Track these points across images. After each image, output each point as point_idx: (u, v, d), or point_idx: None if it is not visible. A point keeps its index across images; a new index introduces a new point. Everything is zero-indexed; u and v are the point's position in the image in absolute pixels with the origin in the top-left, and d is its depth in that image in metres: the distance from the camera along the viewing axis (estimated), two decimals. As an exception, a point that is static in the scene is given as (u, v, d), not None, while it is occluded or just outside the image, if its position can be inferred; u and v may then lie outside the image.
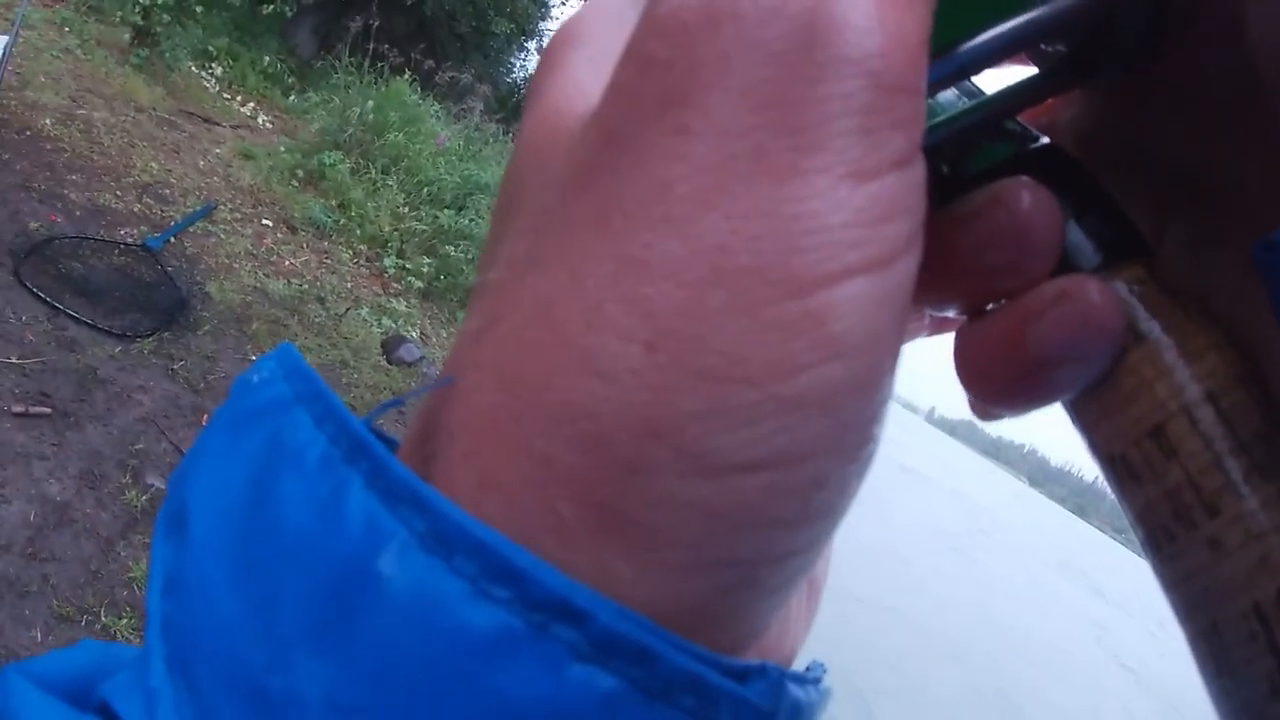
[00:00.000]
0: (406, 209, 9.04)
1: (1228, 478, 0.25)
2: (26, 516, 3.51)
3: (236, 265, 6.56)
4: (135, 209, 6.40)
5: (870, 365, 0.22)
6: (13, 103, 6.57)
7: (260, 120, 10.30)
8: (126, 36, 9.50)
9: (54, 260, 5.21)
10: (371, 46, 10.69)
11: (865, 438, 0.23)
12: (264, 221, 7.56)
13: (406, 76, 10.84)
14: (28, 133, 6.42)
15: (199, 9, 10.25)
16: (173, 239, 6.20)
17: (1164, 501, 0.26)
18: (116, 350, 4.80)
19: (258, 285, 6.49)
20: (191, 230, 6.56)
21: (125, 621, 3.34)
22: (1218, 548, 0.25)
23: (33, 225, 5.41)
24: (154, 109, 8.40)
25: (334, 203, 8.50)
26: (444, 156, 10.05)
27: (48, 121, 6.74)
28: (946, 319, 0.34)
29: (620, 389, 0.21)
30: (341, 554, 0.21)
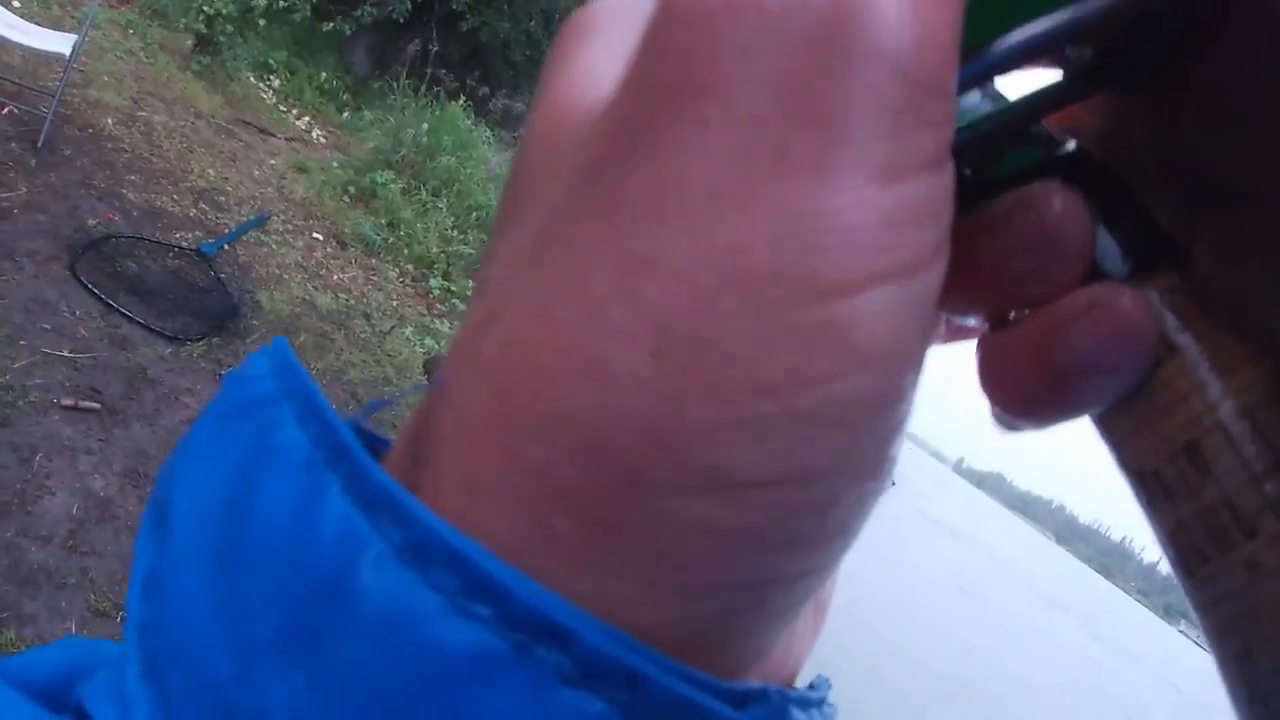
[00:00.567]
0: (455, 232, 9.13)
1: (1266, 497, 0.24)
2: (69, 509, 3.52)
3: (286, 276, 6.60)
4: (191, 214, 6.45)
5: (893, 379, 0.21)
6: (76, 100, 6.64)
7: (314, 134, 10.40)
8: (189, 43, 9.63)
9: (110, 258, 5.25)
10: (429, 71, 10.78)
11: (884, 456, 0.22)
12: (314, 235, 7.62)
13: (461, 101, 10.97)
14: (90, 130, 6.48)
15: (261, 21, 10.36)
16: (226, 246, 6.24)
17: (1197, 521, 0.25)
18: (167, 352, 4.83)
19: (306, 298, 6.53)
20: (244, 239, 6.60)
21: (163, 624, 3.32)
22: (1255, 570, 0.24)
23: (91, 222, 5.45)
24: (212, 116, 8.49)
25: (384, 221, 8.60)
26: (494, 182, 10.10)
27: (109, 121, 6.81)
28: (965, 327, 0.32)
29: (623, 397, 0.20)
30: (315, 563, 0.20)
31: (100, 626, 3.18)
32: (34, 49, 5.72)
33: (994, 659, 15.90)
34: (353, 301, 6.92)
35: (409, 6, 12.08)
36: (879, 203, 0.20)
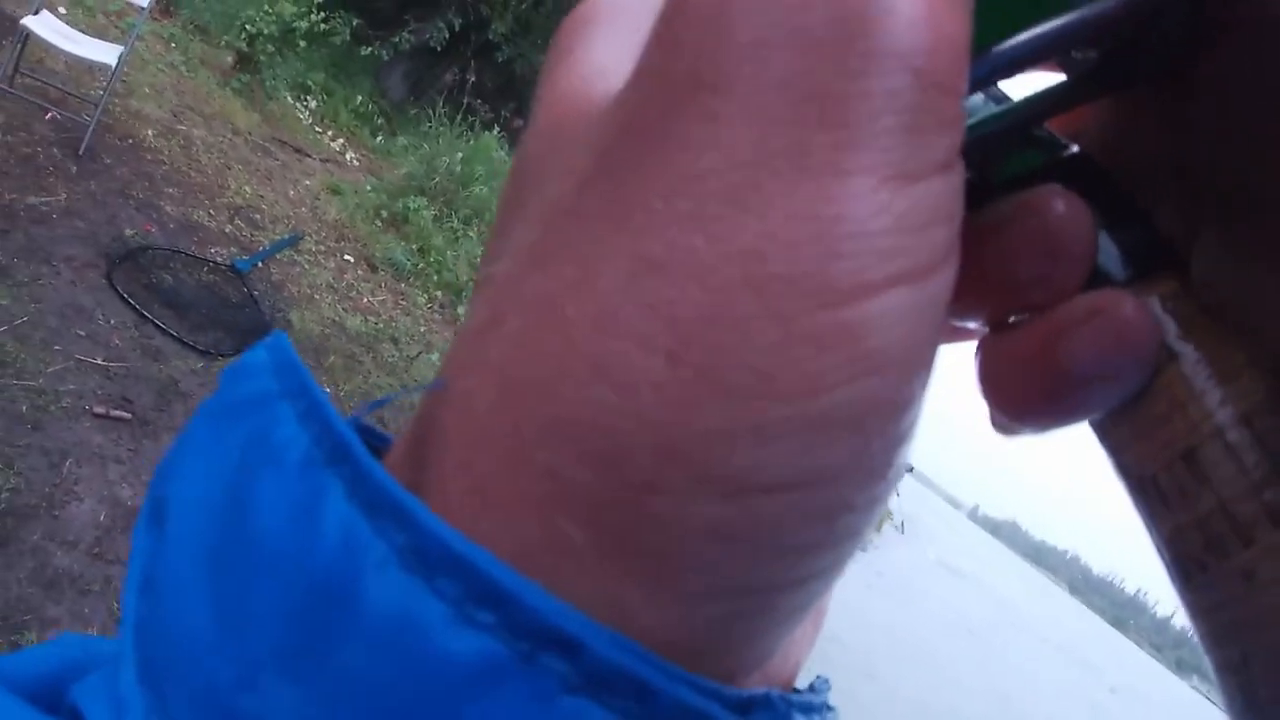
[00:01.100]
0: (484, 261, 9.09)
1: (1263, 505, 0.23)
2: (96, 517, 3.51)
3: (318, 297, 6.62)
4: (226, 229, 6.48)
5: (906, 383, 0.20)
6: (118, 109, 6.68)
7: (348, 157, 10.47)
8: (229, 59, 9.74)
9: (146, 269, 5.26)
10: (466, 101, 10.86)
11: (893, 459, 0.21)
12: (346, 257, 7.64)
13: (495, 132, 11.02)
14: (130, 141, 6.52)
15: (302, 43, 10.46)
16: (260, 264, 6.26)
17: (1194, 529, 0.25)
18: (199, 365, 4.83)
19: (336, 319, 6.53)
20: (277, 257, 6.62)
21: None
22: (1251, 578, 0.23)
23: (128, 232, 5.47)
24: (250, 133, 8.55)
25: (414, 246, 8.63)
26: (525, 215, 10.08)
27: (150, 133, 6.85)
28: (963, 329, 0.31)
29: (636, 401, 0.19)
30: (316, 567, 0.20)
31: (121, 636, 3.17)
32: (81, 57, 5.77)
33: (1001, 704, 15.87)
34: (381, 325, 6.93)
35: (446, 35, 12.21)
36: (894, 205, 0.20)
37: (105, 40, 6.27)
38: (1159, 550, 0.27)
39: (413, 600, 0.19)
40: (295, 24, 10.20)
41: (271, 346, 0.26)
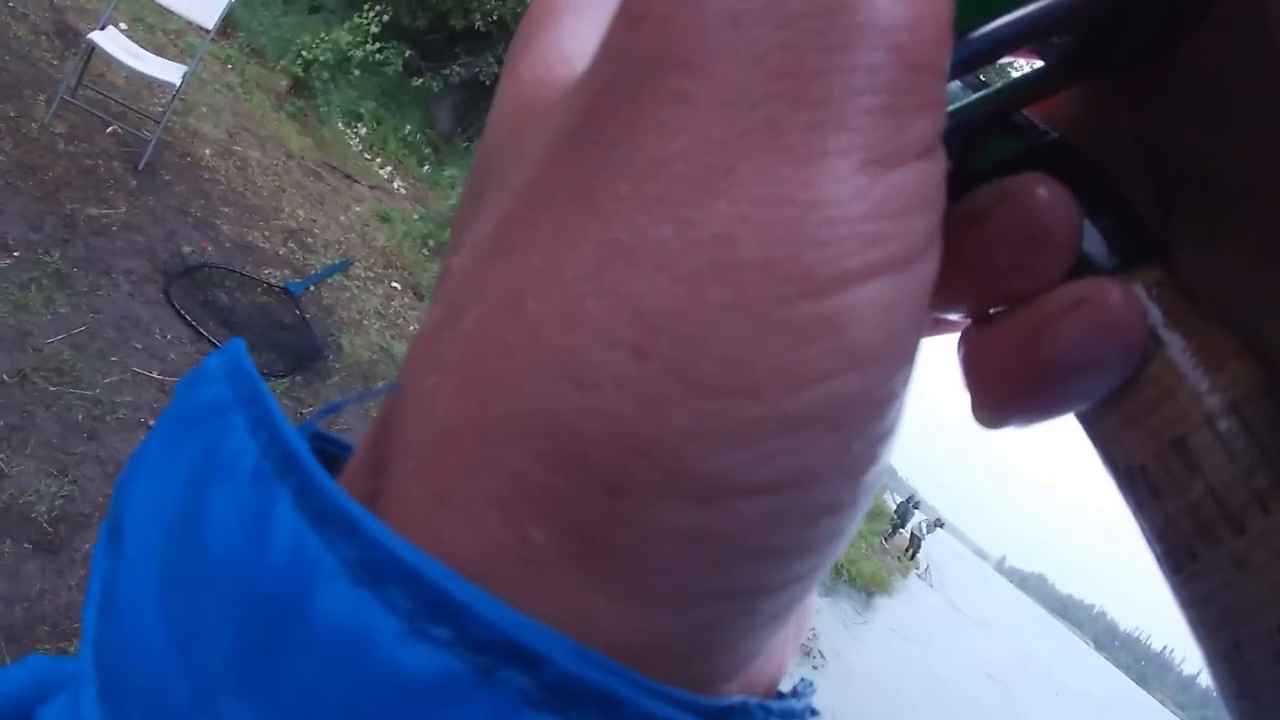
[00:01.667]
0: (529, 296, 9.19)
1: (1253, 492, 0.24)
2: (149, 532, 3.51)
3: (366, 322, 6.64)
4: (280, 251, 6.52)
5: (887, 378, 0.19)
6: (177, 127, 6.72)
7: (396, 185, 10.54)
8: (284, 84, 9.84)
9: (202, 286, 5.29)
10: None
11: (875, 457, 0.20)
12: (393, 284, 7.68)
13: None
14: (188, 159, 6.56)
15: (356, 71, 10.57)
16: (311, 287, 6.28)
17: (1186, 517, 0.25)
18: (252, 385, 4.84)
19: (384, 345, 6.55)
20: (328, 281, 6.64)
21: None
22: (1243, 565, 0.23)
23: (186, 249, 5.50)
24: (302, 157, 8.62)
25: (461, 277, 8.58)
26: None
27: (207, 152, 6.90)
28: (945, 321, 0.31)
29: (603, 400, 0.18)
30: (266, 581, 0.19)
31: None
32: (146, 75, 5.81)
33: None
34: (427, 353, 6.91)
35: (496, 70, 12.28)
36: (874, 190, 0.19)
37: (164, 58, 6.33)
38: (1150, 542, 0.27)
39: (363, 614, 0.18)
40: (351, 53, 10.33)
41: (224, 352, 0.25)
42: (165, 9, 6.03)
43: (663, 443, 0.18)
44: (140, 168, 5.85)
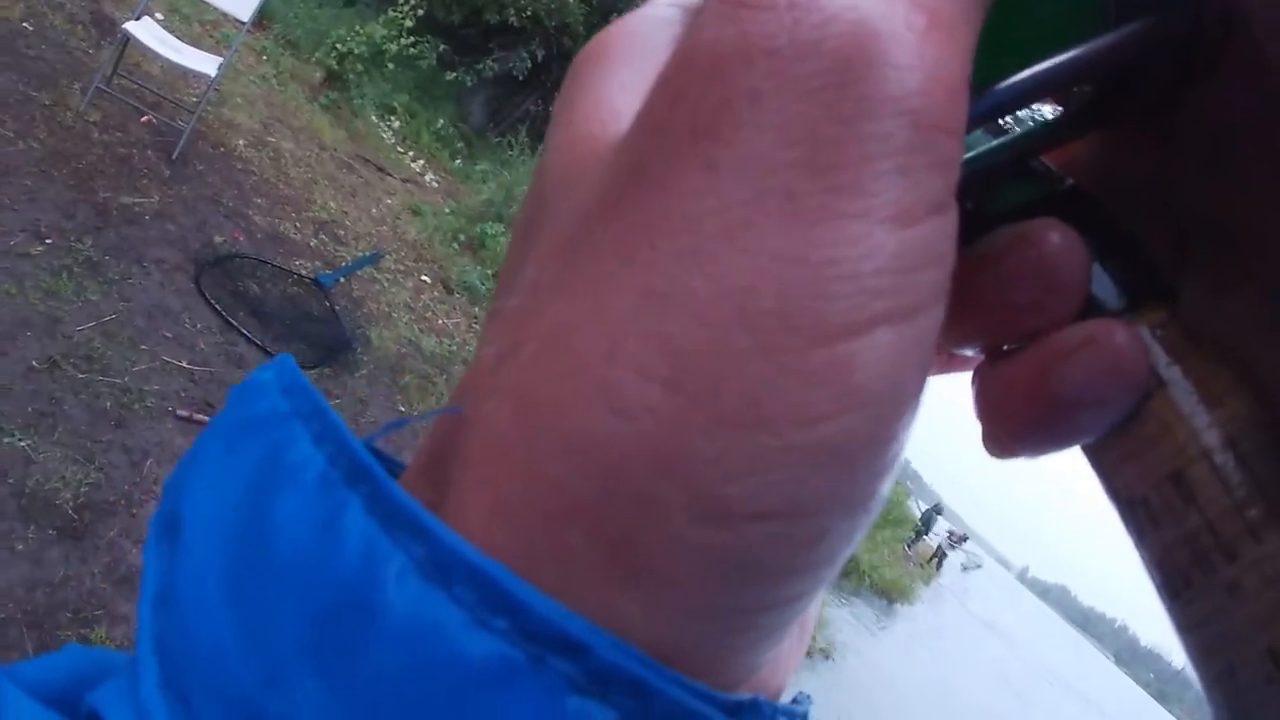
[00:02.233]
0: (559, 292, 9.21)
1: (1246, 523, 0.25)
2: (174, 519, 3.53)
3: (395, 315, 6.65)
4: (311, 243, 6.53)
5: (889, 418, 0.21)
6: (211, 117, 6.76)
7: (428, 178, 10.57)
8: (318, 76, 9.88)
9: (233, 276, 5.30)
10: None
11: (874, 491, 0.22)
12: (423, 278, 7.69)
13: (575, 165, 11.13)
14: (221, 149, 6.59)
15: (390, 65, 10.61)
16: (342, 279, 6.29)
17: (1182, 546, 0.26)
18: (280, 376, 4.85)
19: (412, 339, 6.56)
20: (359, 274, 6.65)
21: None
22: (1236, 592, 0.25)
23: (217, 239, 5.53)
24: (335, 149, 8.65)
25: (490, 272, 8.67)
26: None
27: (241, 142, 6.93)
28: (959, 357, 0.33)
29: (637, 425, 0.20)
30: (339, 577, 0.21)
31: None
32: (181, 65, 5.83)
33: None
34: (455, 347, 6.96)
35: (529, 65, 12.34)
36: (885, 247, 0.21)
37: (199, 48, 6.36)
38: (1149, 569, 0.28)
39: (432, 607, 0.20)
40: (385, 46, 10.35)
41: (277, 367, 0.27)
42: (201, 0, 6.02)
43: (686, 466, 0.20)
44: (174, 157, 5.88)
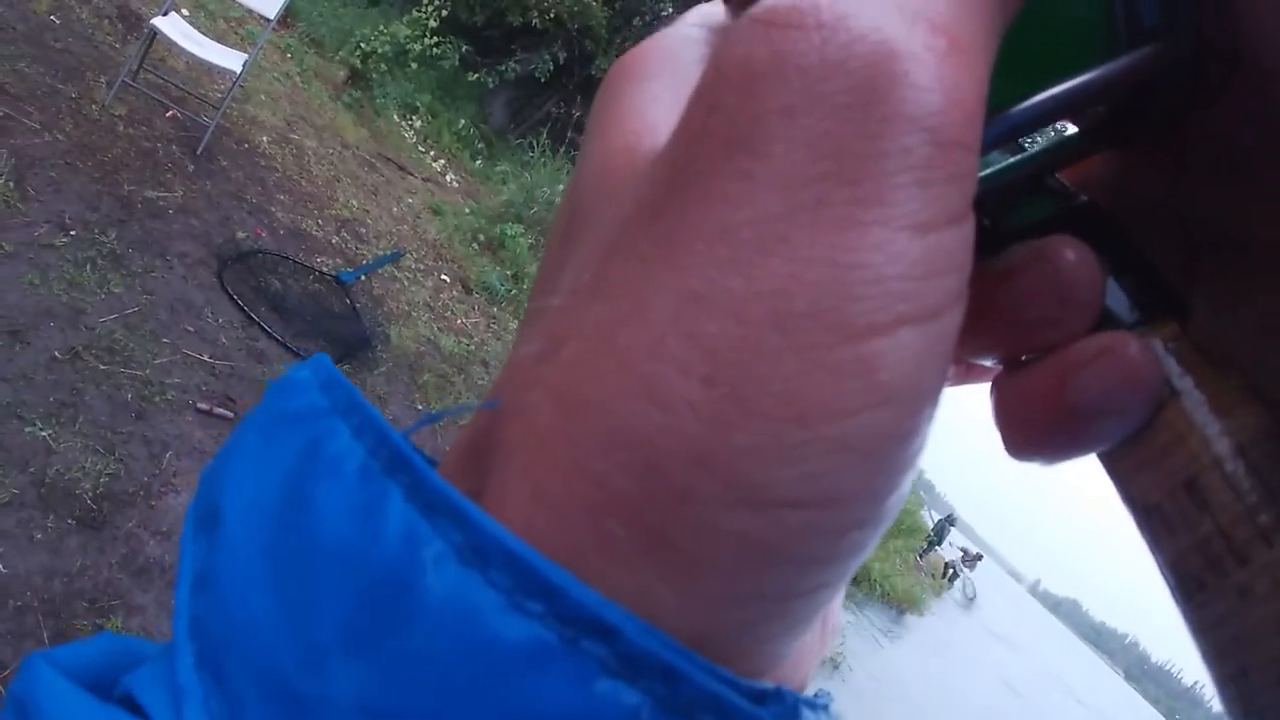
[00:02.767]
0: (578, 294, 9.22)
1: (1257, 528, 0.25)
2: (192, 510, 3.54)
3: (414, 314, 6.66)
4: (333, 240, 6.56)
5: (912, 413, 0.22)
6: (235, 114, 6.79)
7: (448, 178, 10.59)
8: (341, 74, 9.91)
9: (255, 272, 5.32)
10: (570, 135, 10.97)
11: (897, 483, 0.23)
12: (443, 277, 7.71)
13: (595, 168, 11.14)
14: (245, 146, 6.62)
15: (413, 65, 10.63)
16: (362, 277, 6.30)
17: (1196, 551, 0.27)
18: (300, 373, 4.87)
19: (431, 338, 6.58)
20: (379, 271, 6.67)
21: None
22: (1247, 595, 0.25)
23: (240, 234, 5.54)
24: (357, 148, 8.68)
25: (509, 272, 8.69)
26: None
27: (264, 139, 6.96)
28: (978, 367, 0.34)
29: (676, 419, 0.21)
30: (380, 562, 0.22)
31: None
32: (206, 61, 5.86)
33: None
34: (473, 347, 6.96)
35: (551, 68, 12.33)
36: (907, 254, 0.22)
37: (224, 45, 6.38)
38: (1163, 573, 0.28)
39: (470, 590, 0.21)
40: (408, 46, 10.41)
41: (314, 365, 0.28)
42: (228, -4, 6.06)
43: (723, 457, 0.21)
44: (198, 152, 5.91)
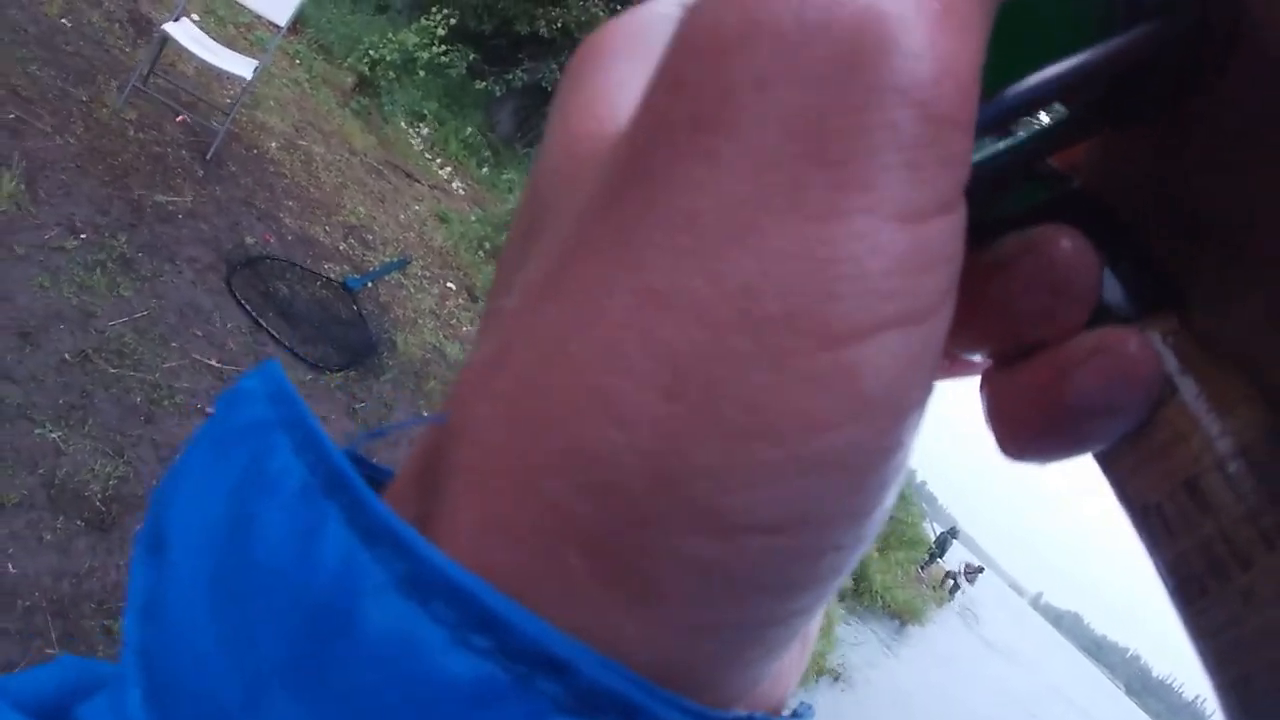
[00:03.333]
0: (582, 303, 9.26)
1: (1260, 530, 0.24)
2: (196, 516, 3.55)
3: (420, 321, 6.67)
4: (340, 247, 6.57)
5: (896, 426, 0.20)
6: (244, 119, 6.79)
7: (455, 185, 10.61)
8: (349, 81, 9.93)
9: (263, 278, 5.33)
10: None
11: (879, 502, 0.21)
12: (448, 284, 7.72)
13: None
14: (254, 151, 6.63)
15: (421, 73, 10.64)
16: (369, 284, 6.32)
17: (1197, 554, 0.26)
18: (307, 378, 4.89)
19: (437, 345, 6.58)
20: (386, 279, 6.68)
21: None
22: (1250, 599, 0.24)
23: (249, 240, 5.55)
24: (365, 155, 8.69)
25: (514, 281, 8.59)
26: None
27: (273, 145, 6.98)
28: (964, 361, 0.31)
29: (636, 437, 0.19)
30: (317, 592, 0.20)
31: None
32: (216, 67, 5.87)
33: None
34: (478, 355, 6.93)
35: (558, 77, 12.31)
36: (893, 246, 0.20)
37: (234, 51, 6.40)
38: (1163, 576, 0.27)
39: (410, 624, 0.19)
40: (416, 54, 10.42)
41: (262, 375, 0.25)
42: (238, 3, 6.10)
43: (687, 479, 0.19)
44: (208, 157, 5.92)
